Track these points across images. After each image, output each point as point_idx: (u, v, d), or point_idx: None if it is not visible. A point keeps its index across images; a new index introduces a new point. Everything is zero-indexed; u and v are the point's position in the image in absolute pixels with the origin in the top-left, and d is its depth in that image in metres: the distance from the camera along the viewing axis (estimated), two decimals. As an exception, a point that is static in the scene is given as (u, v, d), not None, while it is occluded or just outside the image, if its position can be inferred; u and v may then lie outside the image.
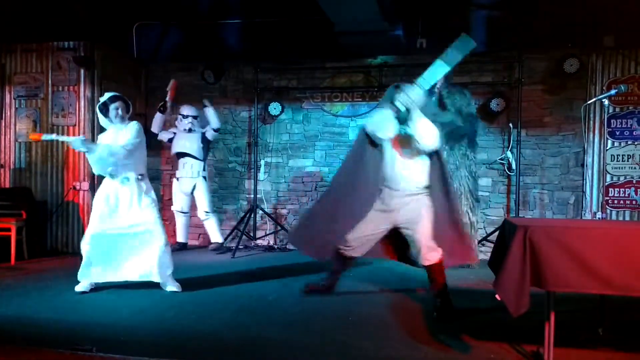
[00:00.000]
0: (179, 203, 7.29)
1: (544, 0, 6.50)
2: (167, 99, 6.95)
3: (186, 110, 7.21)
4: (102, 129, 6.78)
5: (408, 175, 4.20)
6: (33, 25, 7.10)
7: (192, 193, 7.23)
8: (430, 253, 4.20)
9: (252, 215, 7.55)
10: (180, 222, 7.38)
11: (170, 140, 7.24)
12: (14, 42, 7.21)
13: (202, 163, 7.20)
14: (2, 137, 7.28)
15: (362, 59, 7.43)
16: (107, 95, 4.86)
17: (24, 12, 7.06)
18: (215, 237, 7.21)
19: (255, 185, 7.63)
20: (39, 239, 6.78)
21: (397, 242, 4.50)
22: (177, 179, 7.25)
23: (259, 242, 7.69)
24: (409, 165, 4.21)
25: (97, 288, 4.81)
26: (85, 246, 4.71)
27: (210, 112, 7.15)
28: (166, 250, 4.74)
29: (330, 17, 6.26)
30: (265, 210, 7.63)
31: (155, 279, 4.71)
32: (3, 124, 7.28)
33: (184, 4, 7.41)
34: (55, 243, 7.10)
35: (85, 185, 7.01)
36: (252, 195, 7.63)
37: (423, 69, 6.98)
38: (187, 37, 7.86)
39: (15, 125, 7.24)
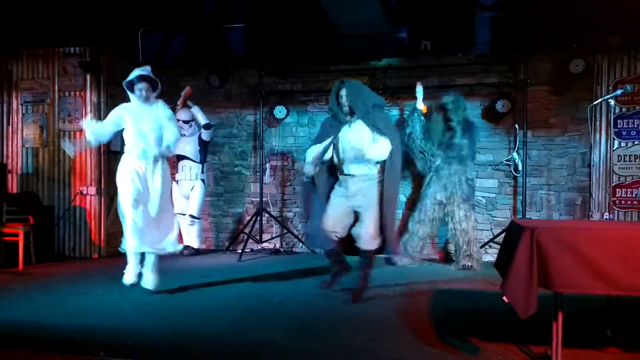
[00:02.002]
0: (179, 205, 7.20)
1: (548, 1, 6.48)
2: (178, 102, 6.93)
3: (179, 114, 7.15)
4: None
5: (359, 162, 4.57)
6: (39, 31, 7.14)
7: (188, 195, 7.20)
8: (372, 240, 4.61)
9: (258, 219, 7.57)
10: (183, 225, 7.24)
11: None
12: (20, 48, 7.27)
13: (200, 166, 7.22)
14: (10, 142, 7.33)
15: (366, 61, 7.44)
16: (134, 73, 4.76)
17: (29, 18, 7.10)
18: (193, 242, 7.15)
19: (261, 189, 7.65)
20: (46, 243, 6.81)
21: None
22: (177, 181, 7.23)
23: (265, 245, 7.70)
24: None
25: (105, 292, 4.83)
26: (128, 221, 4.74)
27: (195, 111, 7.12)
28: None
29: (334, 20, 6.26)
30: (271, 213, 7.64)
31: (171, 249, 4.87)
32: (10, 130, 7.33)
33: (188, 8, 7.43)
34: (62, 248, 7.13)
35: (92, 190, 7.04)
36: (258, 199, 7.64)
37: (427, 70, 7.07)
38: (192, 41, 7.88)
39: (22, 130, 7.28)
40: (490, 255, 6.81)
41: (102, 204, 7.10)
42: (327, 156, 4.72)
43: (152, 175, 4.77)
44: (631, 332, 3.71)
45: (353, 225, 4.77)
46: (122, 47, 7.58)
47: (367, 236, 4.59)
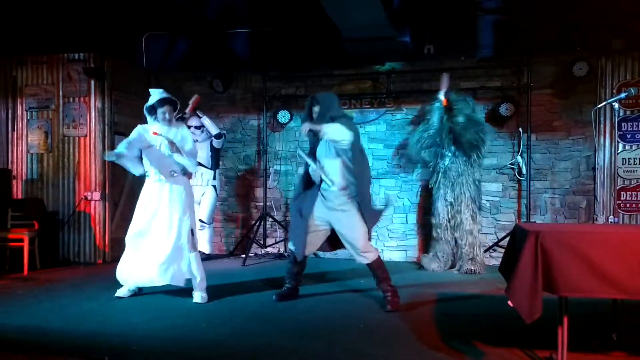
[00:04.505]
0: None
1: (551, 4, 6.48)
2: (187, 110, 6.66)
3: (190, 120, 7.14)
4: (113, 138, 6.88)
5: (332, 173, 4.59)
6: (43, 38, 7.17)
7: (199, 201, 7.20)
8: (366, 254, 4.56)
9: (262, 223, 7.57)
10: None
11: None
12: (24, 54, 7.29)
13: (211, 172, 7.21)
14: (15, 148, 7.35)
15: (369, 65, 7.44)
16: (154, 97, 4.79)
17: (33, 25, 7.14)
18: (204, 247, 7.12)
19: (265, 193, 7.65)
20: (51, 249, 6.82)
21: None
22: None
23: (269, 249, 7.70)
24: (331, 165, 4.63)
25: (109, 297, 4.83)
26: (127, 246, 4.83)
27: (205, 121, 7.11)
28: (194, 257, 4.80)
29: (337, 25, 6.28)
30: (275, 217, 7.64)
31: (181, 283, 4.76)
32: (15, 136, 7.35)
33: (192, 14, 7.45)
34: (67, 253, 7.14)
35: (97, 195, 7.05)
36: (262, 203, 7.65)
37: (430, 74, 7.08)
38: (196, 46, 7.91)
39: (27, 136, 7.31)
40: (495, 259, 6.79)
41: (106, 209, 7.11)
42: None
43: (168, 198, 4.74)
44: (637, 336, 3.69)
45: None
46: (126, 53, 7.61)
47: (361, 251, 4.55)
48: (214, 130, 7.14)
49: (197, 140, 7.12)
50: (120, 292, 4.88)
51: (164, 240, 4.70)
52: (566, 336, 2.97)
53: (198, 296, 4.79)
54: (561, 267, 2.80)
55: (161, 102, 4.76)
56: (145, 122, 4.93)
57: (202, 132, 7.20)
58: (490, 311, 4.46)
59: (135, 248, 4.78)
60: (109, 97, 7.17)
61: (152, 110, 4.82)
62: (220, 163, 7.62)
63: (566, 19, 6.51)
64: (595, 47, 6.63)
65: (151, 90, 4.86)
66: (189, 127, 7.15)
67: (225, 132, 7.45)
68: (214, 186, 7.25)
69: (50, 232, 6.81)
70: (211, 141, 7.22)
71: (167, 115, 4.77)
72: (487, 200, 7.06)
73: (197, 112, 7.10)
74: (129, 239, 4.84)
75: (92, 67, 7.03)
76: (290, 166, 7.77)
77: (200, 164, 7.07)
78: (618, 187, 6.56)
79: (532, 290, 2.84)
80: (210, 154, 7.21)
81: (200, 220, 7.08)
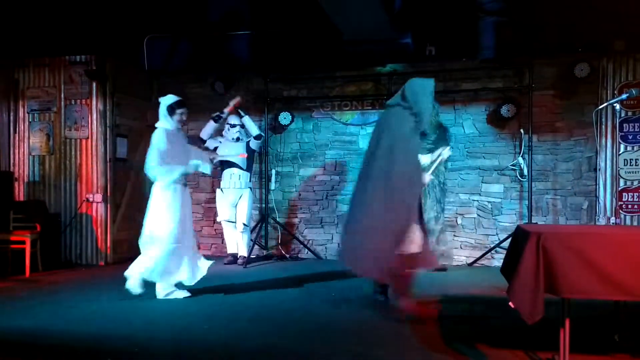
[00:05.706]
0: (225, 213, 7.04)
1: (553, 5, 6.47)
2: (226, 110, 6.76)
3: (233, 119, 7.08)
4: (114, 141, 6.89)
5: None
6: (45, 40, 7.19)
7: (236, 204, 7.05)
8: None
9: (264, 225, 7.56)
10: (228, 232, 7.12)
11: (215, 149, 7.07)
12: (26, 57, 7.31)
13: (248, 174, 7.08)
14: (17, 150, 7.36)
15: (371, 67, 7.44)
16: (170, 99, 5.00)
17: (35, 27, 7.16)
18: (243, 251, 7.03)
19: (267, 195, 7.65)
20: (52, 251, 6.82)
21: None
22: (222, 189, 7.06)
23: (271, 251, 7.69)
24: None
25: (111, 299, 4.84)
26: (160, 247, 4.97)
27: (246, 121, 7.01)
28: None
29: (338, 27, 6.28)
30: (277, 219, 7.64)
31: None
32: (17, 138, 7.36)
33: (194, 16, 7.47)
34: (69, 255, 7.15)
35: (98, 197, 7.06)
36: (264, 205, 7.65)
37: (432, 76, 7.05)
38: (197, 49, 7.92)
39: (29, 138, 7.32)
40: (497, 260, 6.78)
41: (108, 211, 7.12)
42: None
43: (182, 199, 4.94)
44: (639, 337, 3.68)
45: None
46: (127, 55, 7.63)
47: None
48: (254, 131, 7.02)
49: (240, 139, 7.07)
50: (130, 286, 4.84)
51: (189, 240, 5.00)
52: (568, 338, 2.96)
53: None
54: (563, 268, 2.80)
55: (179, 104, 5.02)
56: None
57: (237, 131, 7.09)
58: (491, 313, 4.45)
59: (171, 249, 4.83)
60: (111, 100, 7.18)
61: (171, 110, 4.99)
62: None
63: (567, 20, 6.50)
64: (596, 48, 6.62)
65: (164, 97, 5.05)
66: (234, 125, 7.03)
67: (263, 134, 7.30)
68: (250, 188, 7.13)
69: (52, 234, 6.82)
70: (248, 142, 7.09)
71: (184, 117, 5.06)
72: (488, 202, 7.06)
73: (240, 111, 7.06)
74: (161, 240, 4.84)
75: (94, 69, 7.04)
76: (291, 168, 7.77)
77: (235, 166, 6.99)
78: (620, 189, 6.55)
79: (534, 291, 2.84)
80: (247, 155, 7.07)
81: (244, 224, 6.97)
